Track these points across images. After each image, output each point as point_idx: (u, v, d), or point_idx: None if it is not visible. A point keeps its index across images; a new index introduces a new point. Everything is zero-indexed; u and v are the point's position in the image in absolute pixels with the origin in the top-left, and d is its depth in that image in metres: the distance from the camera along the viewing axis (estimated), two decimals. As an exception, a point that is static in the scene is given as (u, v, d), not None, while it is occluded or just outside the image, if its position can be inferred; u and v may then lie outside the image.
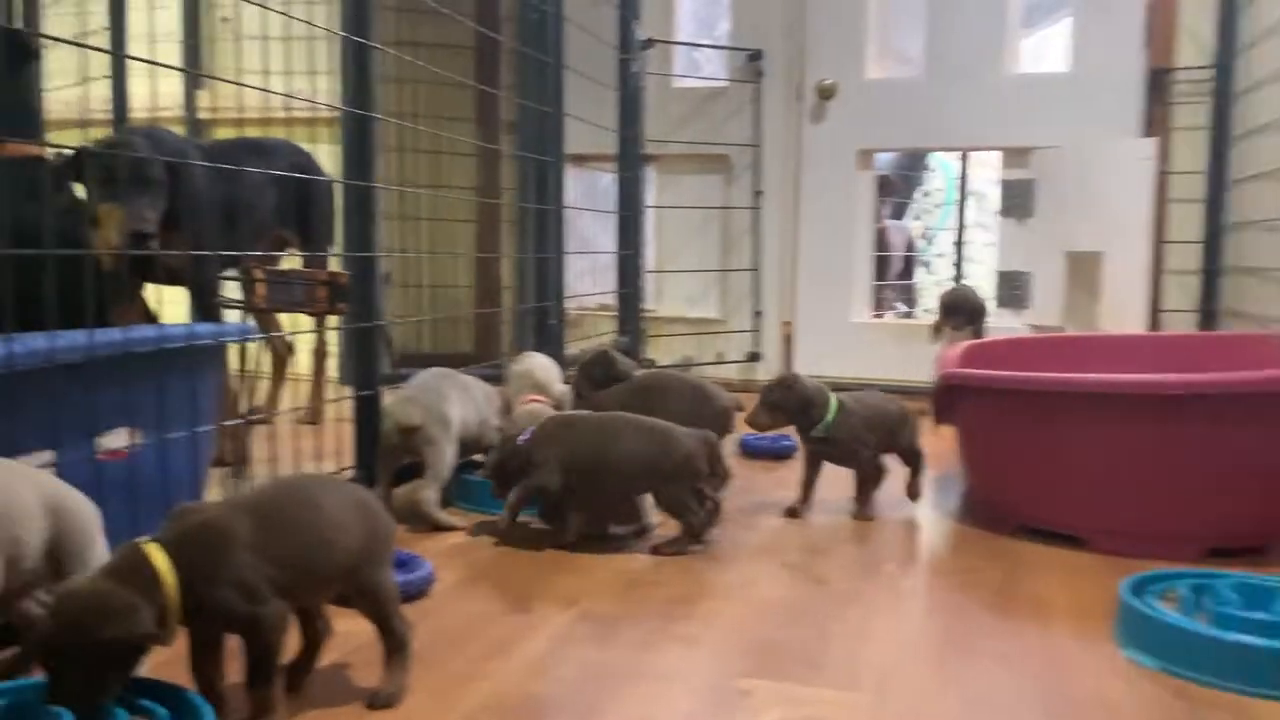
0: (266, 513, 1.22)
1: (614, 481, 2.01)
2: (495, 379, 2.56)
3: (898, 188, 6.00)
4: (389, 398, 2.27)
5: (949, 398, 2.36)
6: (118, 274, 2.21)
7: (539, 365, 2.54)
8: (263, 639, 1.19)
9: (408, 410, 2.17)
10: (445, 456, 2.18)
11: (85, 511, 1.32)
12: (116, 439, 1.64)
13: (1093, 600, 1.75)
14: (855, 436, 2.27)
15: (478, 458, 2.34)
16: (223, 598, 1.14)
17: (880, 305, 4.84)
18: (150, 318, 2.52)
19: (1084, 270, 3.53)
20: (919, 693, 1.41)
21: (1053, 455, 2.10)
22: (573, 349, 3.31)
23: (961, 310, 3.51)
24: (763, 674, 1.45)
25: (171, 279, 2.49)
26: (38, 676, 1.35)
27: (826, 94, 4.07)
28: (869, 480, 2.31)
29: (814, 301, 4.14)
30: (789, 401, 2.25)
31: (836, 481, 2.35)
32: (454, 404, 2.25)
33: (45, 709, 1.10)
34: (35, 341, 1.46)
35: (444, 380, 2.30)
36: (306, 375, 3.27)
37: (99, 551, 1.32)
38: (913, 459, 2.36)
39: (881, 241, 4.97)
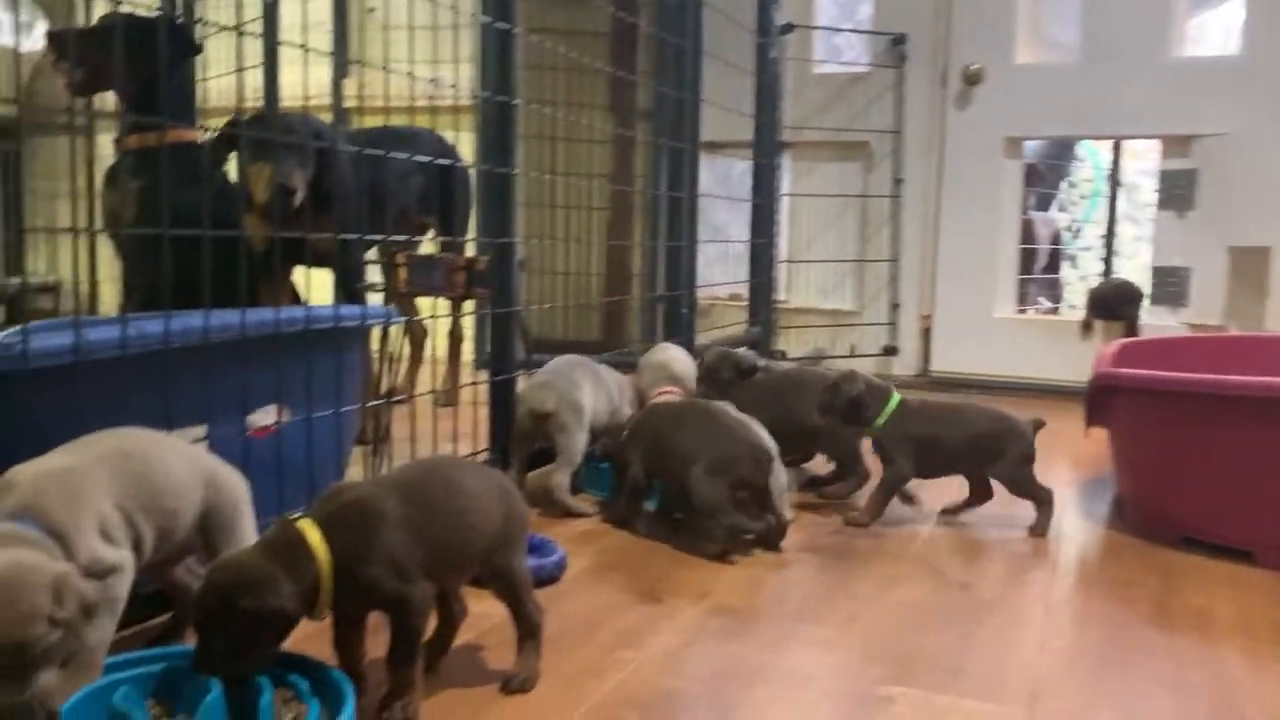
0: (414, 494, 1.23)
1: (676, 470, 1.97)
2: (623, 367, 2.55)
3: (1044, 178, 5.75)
4: (524, 383, 2.28)
5: (1102, 398, 2.23)
6: (268, 255, 2.28)
7: (675, 357, 2.51)
8: (409, 618, 1.19)
9: (542, 396, 2.18)
10: (577, 442, 2.18)
11: (236, 485, 1.36)
12: (265, 416, 1.68)
13: (1262, 619, 1.63)
14: (894, 444, 2.11)
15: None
16: (374, 576, 1.15)
17: (1023, 300, 4.64)
18: (297, 299, 2.60)
19: (1250, 266, 3.31)
20: (1072, 708, 1.33)
21: (1218, 463, 1.96)
22: (702, 339, 3.27)
23: (1114, 305, 3.33)
24: (903, 681, 1.39)
25: (318, 261, 2.56)
26: (190, 643, 1.40)
27: (973, 79, 3.91)
28: (887, 486, 2.13)
29: (955, 295, 4.00)
30: (837, 401, 2.13)
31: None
32: (587, 391, 2.25)
33: (196, 675, 1.13)
34: (192, 320, 1.51)
35: (577, 368, 2.30)
36: (442, 359, 3.33)
37: (248, 524, 1.36)
38: (1021, 489, 2.11)
39: (1026, 234, 4.77)
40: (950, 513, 2.22)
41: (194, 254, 1.51)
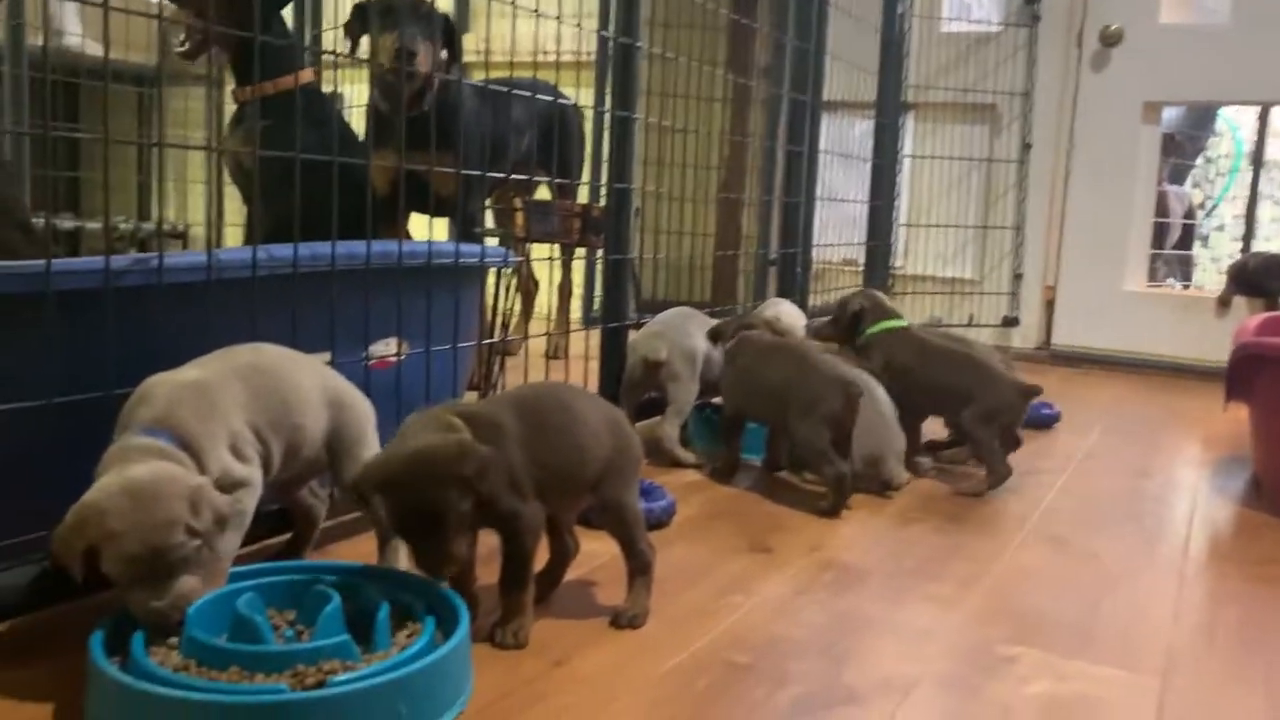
0: (529, 412, 1.22)
1: (761, 409, 1.98)
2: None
3: (1181, 149, 5.47)
4: (636, 333, 2.27)
5: (1244, 372, 2.11)
6: (390, 200, 2.30)
7: (785, 312, 2.46)
8: (520, 537, 1.19)
9: (655, 345, 2.16)
10: (688, 392, 2.17)
11: (363, 407, 1.37)
12: (385, 348, 1.70)
13: None
14: (868, 357, 2.13)
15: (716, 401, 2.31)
16: (491, 487, 1.14)
17: (1152, 276, 4.43)
18: (414, 243, 2.63)
19: None
20: (1211, 682, 1.26)
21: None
22: (814, 302, 3.20)
23: (1259, 279, 3.14)
24: (1027, 642, 1.33)
25: (439, 208, 2.57)
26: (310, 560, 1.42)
27: (1111, 40, 3.73)
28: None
29: (1081, 266, 3.83)
30: (843, 317, 2.21)
31: (1117, 450, 2.16)
32: (698, 342, 2.22)
33: (315, 589, 1.15)
34: (319, 247, 1.53)
35: (690, 319, 2.28)
36: (552, 314, 3.34)
37: (372, 448, 1.37)
38: (975, 446, 2.07)
39: (1159, 207, 4.54)
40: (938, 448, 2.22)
41: (317, 196, 1.52)
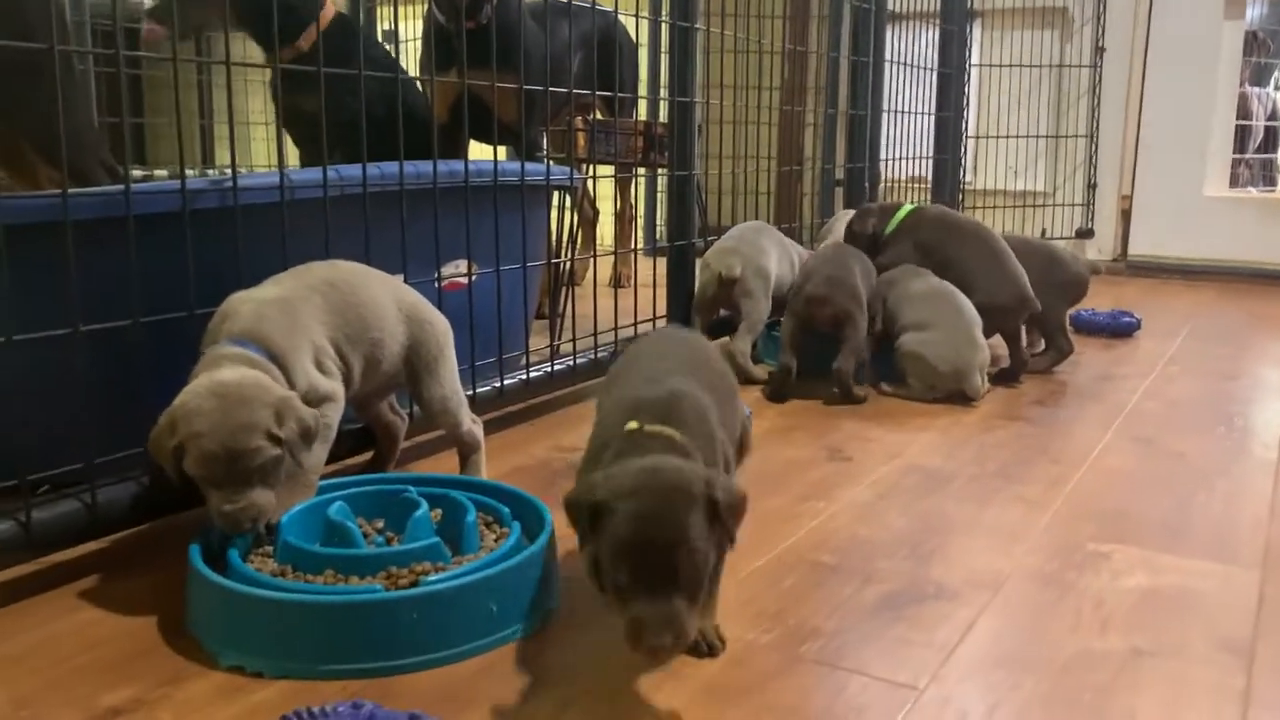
0: (708, 386, 1.03)
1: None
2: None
3: (1265, 47, 5.21)
4: (709, 250, 2.23)
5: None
6: (451, 127, 2.29)
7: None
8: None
9: (728, 261, 2.13)
10: (761, 309, 2.14)
11: (440, 325, 1.37)
12: (455, 269, 1.70)
13: None
14: (911, 242, 2.16)
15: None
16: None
17: (1234, 182, 4.26)
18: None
19: None
20: (1314, 575, 1.22)
21: None
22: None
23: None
24: (1119, 539, 1.31)
25: (502, 134, 2.55)
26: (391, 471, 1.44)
27: (1190, -68, 3.55)
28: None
29: (1159, 173, 3.70)
30: (861, 236, 2.23)
31: (1202, 355, 2.10)
32: (773, 258, 2.19)
33: (403, 498, 1.16)
34: (387, 166, 1.53)
35: (762, 234, 2.24)
36: (612, 243, 3.32)
37: (450, 365, 1.37)
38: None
39: (1240, 109, 4.35)
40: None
41: (376, 127, 1.50)
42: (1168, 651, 1.02)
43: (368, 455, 1.49)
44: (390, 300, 1.30)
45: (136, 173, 4.18)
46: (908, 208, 2.23)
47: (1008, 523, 1.36)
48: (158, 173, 4.22)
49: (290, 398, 1.09)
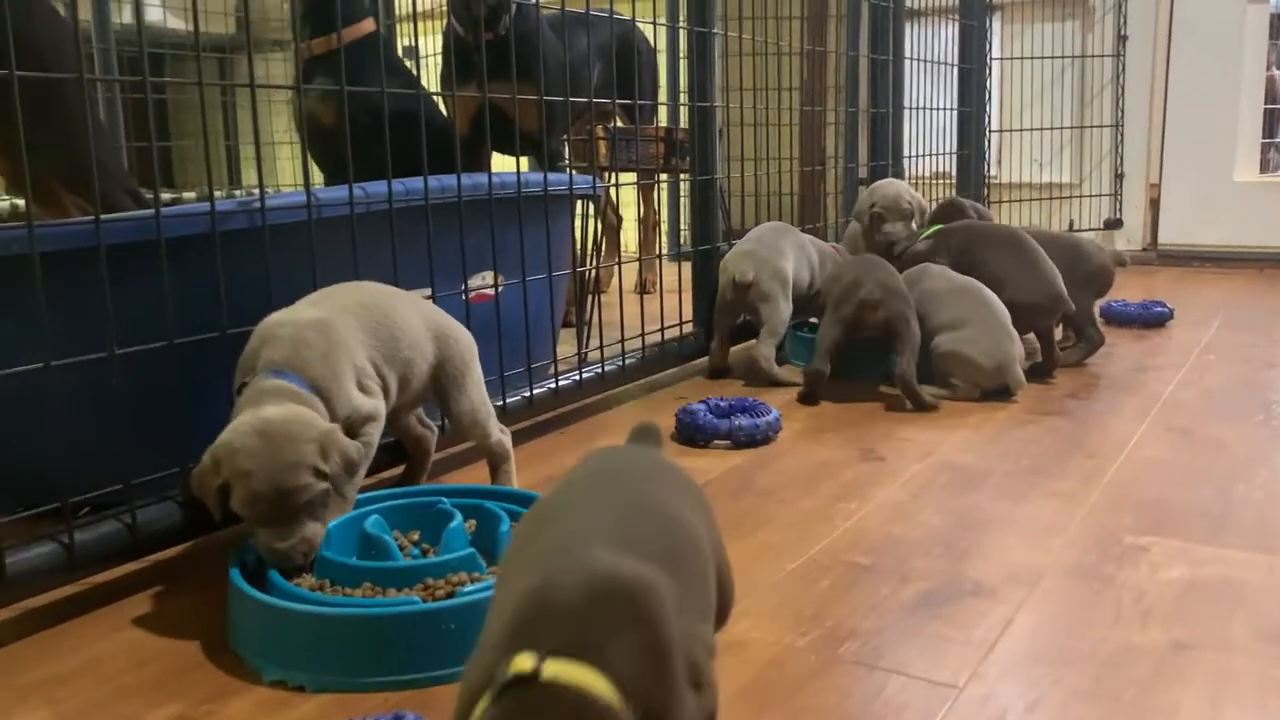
0: (668, 561, 0.65)
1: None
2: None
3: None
4: (726, 255, 2.22)
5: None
6: (473, 139, 2.30)
7: (905, 189, 2.33)
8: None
9: (742, 266, 2.11)
10: (781, 313, 2.11)
11: (465, 339, 1.38)
12: (482, 280, 1.71)
13: None
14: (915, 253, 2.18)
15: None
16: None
17: (1263, 168, 4.20)
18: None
19: None
20: (1359, 562, 1.20)
21: None
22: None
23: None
24: (1158, 531, 1.29)
25: (521, 145, 2.57)
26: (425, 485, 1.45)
27: (1210, -85, 3.52)
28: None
29: (1187, 160, 3.65)
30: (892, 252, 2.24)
31: (1237, 343, 2.07)
32: (790, 259, 2.17)
33: (436, 510, 1.17)
34: (412, 182, 1.54)
35: (781, 235, 2.22)
36: (636, 249, 3.32)
37: (476, 378, 1.38)
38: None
39: (1268, 92, 4.29)
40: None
41: (401, 144, 1.52)
42: (1211, 644, 1.01)
43: (400, 469, 1.50)
44: (418, 319, 1.31)
45: (165, 196, 4.24)
46: (932, 229, 2.24)
47: (1044, 518, 1.35)
48: (186, 195, 4.28)
49: (334, 431, 1.09)
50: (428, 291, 1.55)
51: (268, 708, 0.93)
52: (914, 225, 2.29)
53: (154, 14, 4.02)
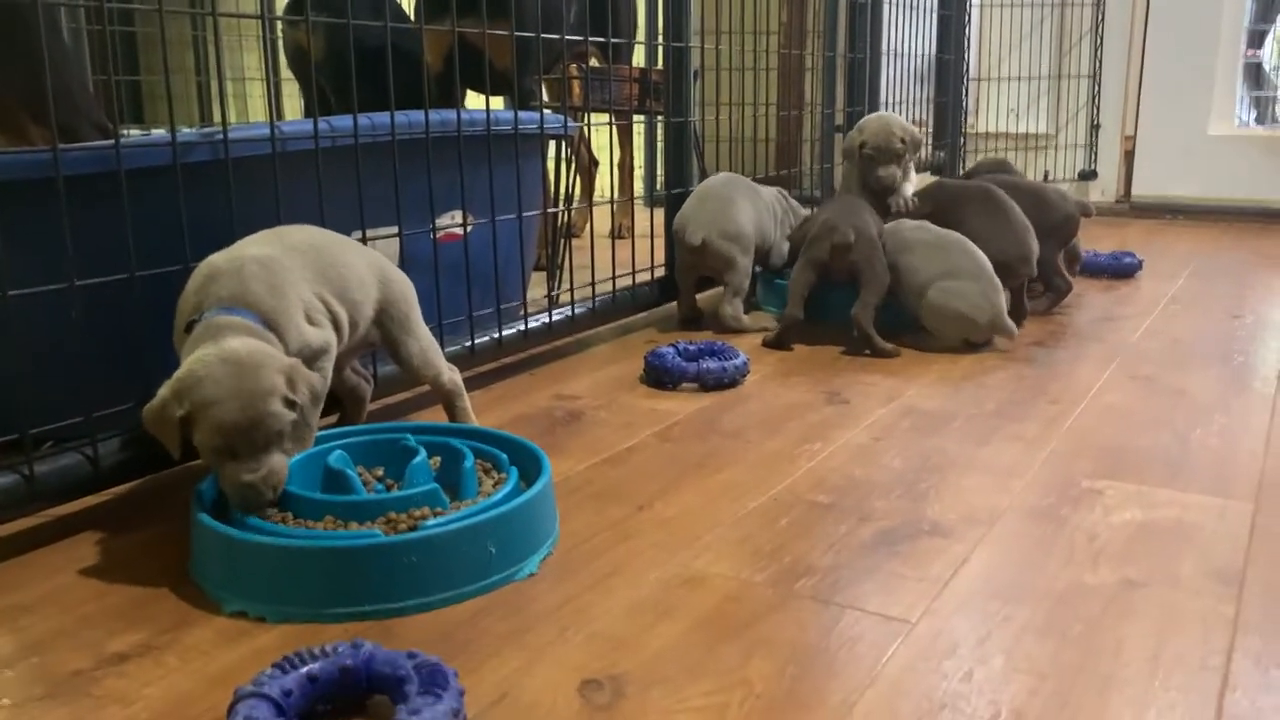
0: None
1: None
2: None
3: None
4: (681, 210, 2.16)
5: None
6: (445, 75, 2.27)
7: (897, 123, 2.23)
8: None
9: (690, 228, 2.05)
10: (740, 271, 2.08)
11: (405, 282, 1.36)
12: (451, 220, 1.70)
13: None
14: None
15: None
16: None
17: (1261, 120, 4.18)
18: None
19: None
20: (1308, 506, 1.23)
21: None
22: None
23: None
24: (1114, 476, 1.31)
25: (494, 85, 2.53)
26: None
27: None
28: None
29: (1163, 111, 3.66)
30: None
31: (1204, 294, 2.09)
32: (743, 212, 2.10)
33: (399, 446, 1.17)
34: (378, 117, 1.52)
35: (730, 186, 2.13)
36: (612, 193, 3.29)
37: (419, 319, 1.37)
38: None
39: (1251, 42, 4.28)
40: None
41: (377, 75, 1.50)
42: (1159, 582, 1.03)
43: (333, 418, 1.46)
44: (362, 262, 1.30)
45: (134, 132, 4.17)
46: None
47: (1004, 461, 1.37)
48: (155, 131, 4.20)
49: (298, 363, 1.08)
50: (392, 232, 1.54)
51: (229, 636, 0.94)
52: (910, 161, 2.23)
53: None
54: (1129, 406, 1.60)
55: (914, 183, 2.27)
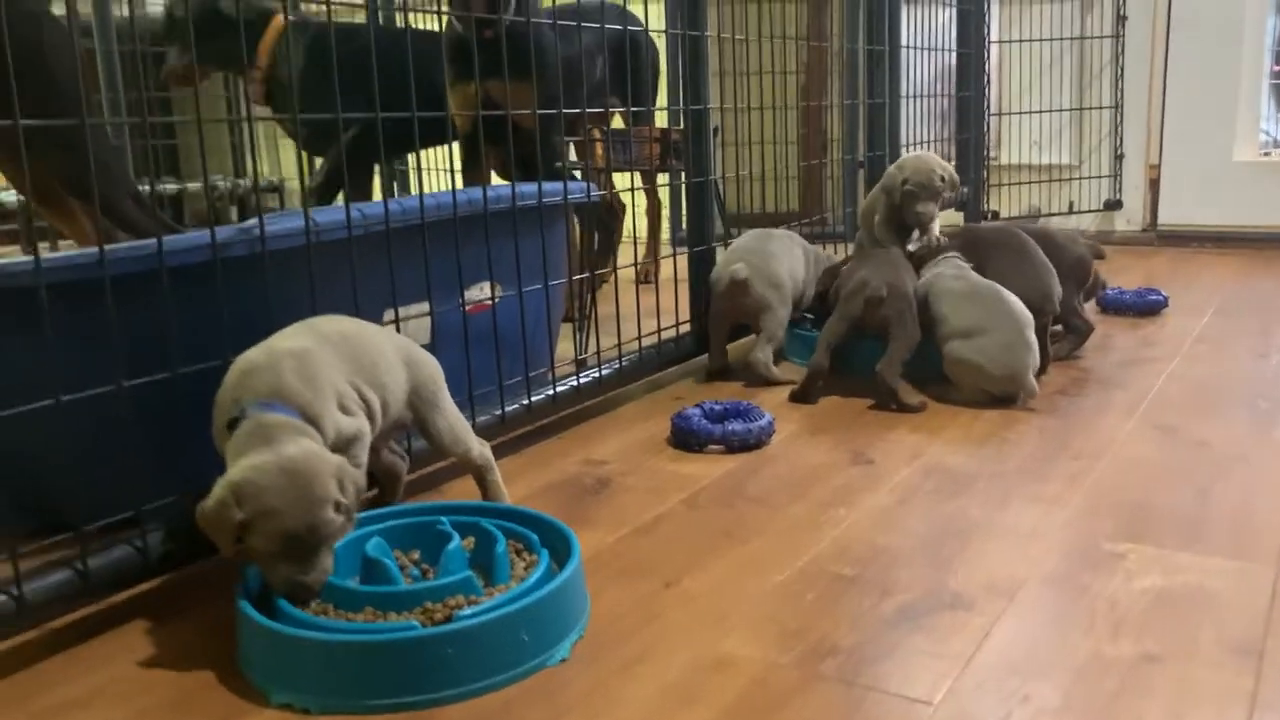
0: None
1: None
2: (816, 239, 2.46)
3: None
4: (719, 259, 2.23)
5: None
6: (472, 140, 2.33)
7: (937, 163, 2.27)
8: None
9: (735, 267, 2.12)
10: (778, 318, 2.14)
11: (432, 363, 1.41)
12: (480, 292, 1.75)
13: None
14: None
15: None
16: None
17: None
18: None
19: None
20: (1329, 568, 1.24)
21: None
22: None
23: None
24: (1135, 538, 1.33)
25: (524, 143, 2.58)
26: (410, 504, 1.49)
27: (1209, -107, 3.49)
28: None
29: (1187, 139, 3.66)
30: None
31: (1231, 332, 2.10)
32: (781, 261, 2.18)
33: (434, 529, 1.22)
34: (408, 201, 1.57)
35: (766, 240, 2.23)
36: (642, 238, 3.34)
37: (447, 397, 1.41)
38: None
39: None
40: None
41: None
42: (1177, 655, 1.05)
43: (371, 493, 1.50)
44: (390, 347, 1.34)
45: (171, 187, 4.28)
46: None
47: (1026, 523, 1.39)
48: (190, 186, 4.32)
49: (344, 462, 1.12)
50: (424, 308, 1.59)
51: (275, 730, 0.98)
52: (949, 198, 2.28)
53: (156, 9, 4.04)
54: (1151, 460, 1.61)
55: (938, 221, 2.30)
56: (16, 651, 1.15)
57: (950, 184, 2.25)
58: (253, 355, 1.22)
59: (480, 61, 1.77)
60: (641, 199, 3.33)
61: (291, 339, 1.25)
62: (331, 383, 1.23)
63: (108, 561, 1.19)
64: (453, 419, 1.41)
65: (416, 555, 1.25)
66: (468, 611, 1.05)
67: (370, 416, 1.29)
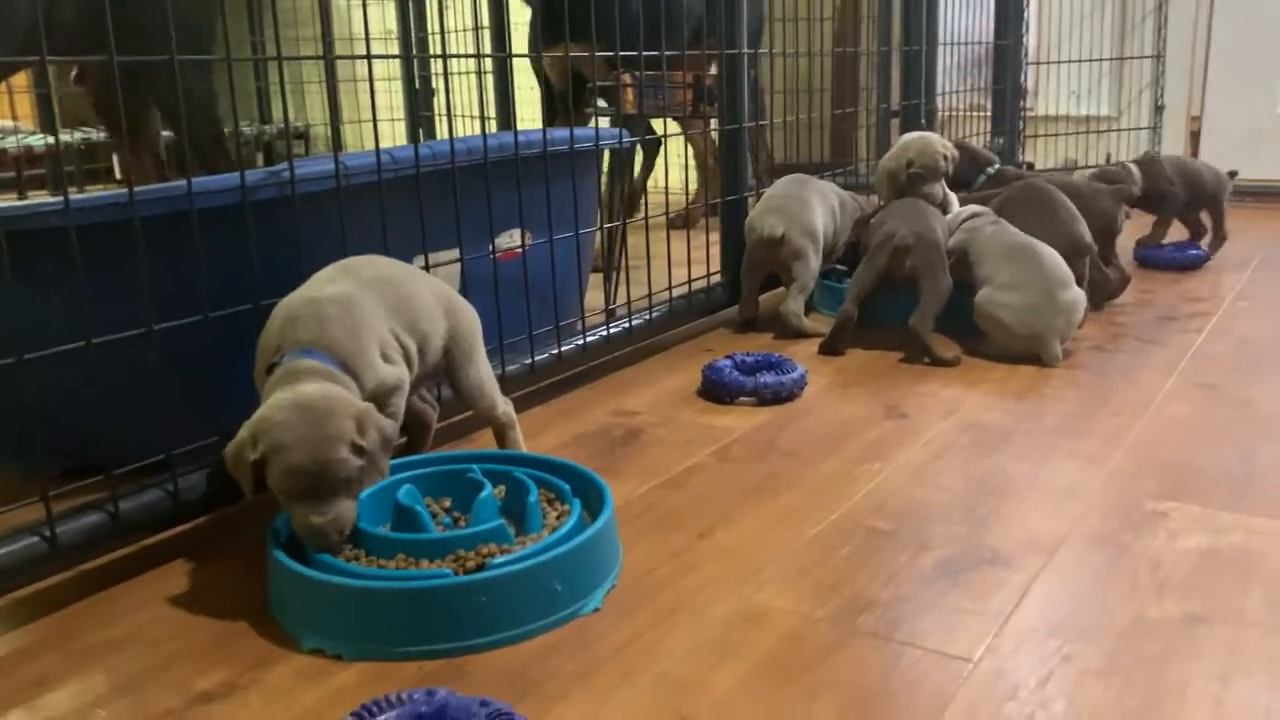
0: None
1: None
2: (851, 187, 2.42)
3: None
4: (752, 210, 2.20)
5: None
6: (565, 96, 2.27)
7: (938, 143, 2.26)
8: None
9: (770, 221, 2.10)
10: (812, 268, 2.12)
11: (471, 313, 1.39)
12: (510, 239, 1.72)
13: None
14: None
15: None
16: None
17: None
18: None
19: None
20: (1379, 530, 1.21)
21: None
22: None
23: None
24: (1178, 497, 1.30)
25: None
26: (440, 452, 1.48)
27: None
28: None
29: (1230, 91, 3.56)
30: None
31: (1274, 288, 2.05)
32: (816, 212, 2.16)
33: (466, 478, 1.21)
34: (439, 145, 1.55)
35: (803, 186, 2.20)
36: (675, 185, 3.30)
37: (482, 350, 1.39)
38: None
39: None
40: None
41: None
42: (1224, 617, 1.02)
43: (400, 441, 1.49)
44: (431, 293, 1.33)
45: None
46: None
47: (1065, 481, 1.36)
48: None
49: (370, 408, 1.11)
50: (453, 254, 1.57)
51: (308, 675, 0.98)
52: (950, 171, 2.26)
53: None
54: (1193, 419, 1.58)
55: (954, 198, 2.28)
56: (50, 593, 1.15)
57: (952, 160, 2.26)
58: (295, 302, 1.20)
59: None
60: (676, 148, 3.28)
61: (334, 284, 1.23)
62: (374, 331, 1.22)
63: (138, 505, 1.18)
64: (484, 373, 1.40)
65: (448, 503, 1.24)
66: (500, 560, 1.04)
67: (409, 363, 1.27)
